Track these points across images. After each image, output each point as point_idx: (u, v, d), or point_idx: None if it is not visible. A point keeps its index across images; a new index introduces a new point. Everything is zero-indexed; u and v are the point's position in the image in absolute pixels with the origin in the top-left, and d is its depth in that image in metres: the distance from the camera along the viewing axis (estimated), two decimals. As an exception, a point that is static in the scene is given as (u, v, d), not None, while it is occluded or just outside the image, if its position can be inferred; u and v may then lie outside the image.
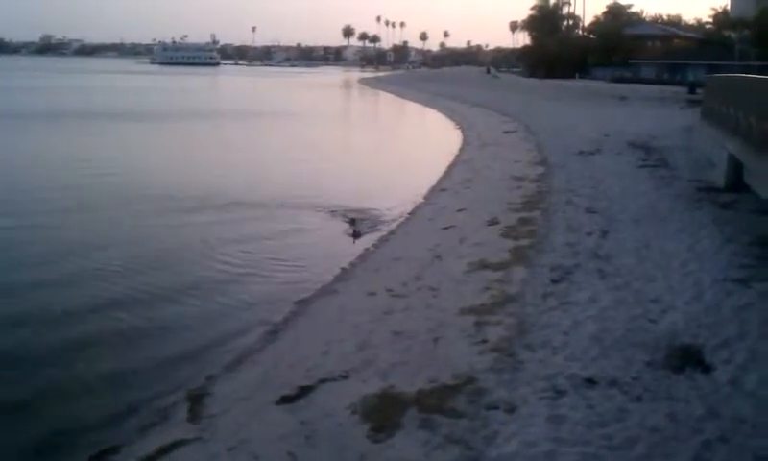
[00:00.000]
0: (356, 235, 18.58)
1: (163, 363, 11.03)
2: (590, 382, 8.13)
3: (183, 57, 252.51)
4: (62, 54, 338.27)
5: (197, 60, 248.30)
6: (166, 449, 8.15)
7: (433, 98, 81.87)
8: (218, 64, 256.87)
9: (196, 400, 9.45)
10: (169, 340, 11.99)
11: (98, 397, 9.99)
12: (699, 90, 51.27)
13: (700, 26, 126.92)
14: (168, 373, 10.68)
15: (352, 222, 19.57)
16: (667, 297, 10.94)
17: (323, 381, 9.20)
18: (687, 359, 8.62)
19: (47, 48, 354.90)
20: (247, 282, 15.01)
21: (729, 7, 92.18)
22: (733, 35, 79.54)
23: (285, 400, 8.86)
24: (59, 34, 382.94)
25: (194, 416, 9.02)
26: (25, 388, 10.27)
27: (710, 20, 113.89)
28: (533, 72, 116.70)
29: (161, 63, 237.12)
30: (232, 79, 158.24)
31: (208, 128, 50.23)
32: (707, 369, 8.40)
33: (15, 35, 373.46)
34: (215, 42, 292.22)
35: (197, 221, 19.99)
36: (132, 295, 14.02)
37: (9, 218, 19.99)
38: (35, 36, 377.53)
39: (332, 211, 21.40)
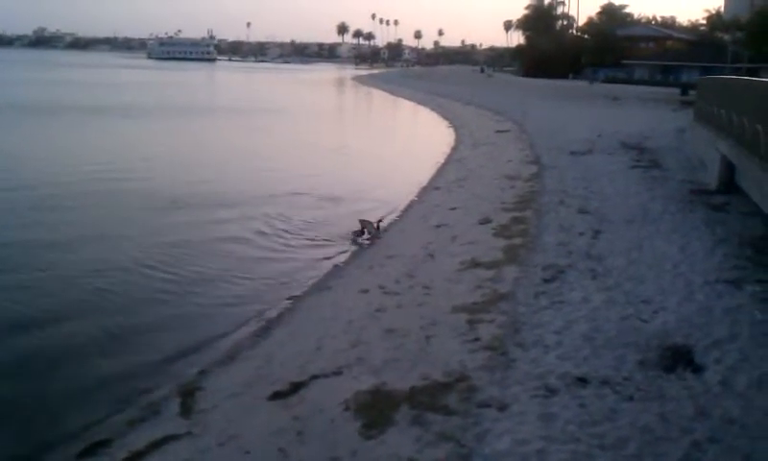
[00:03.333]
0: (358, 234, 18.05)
1: (155, 358, 11.04)
2: (582, 381, 8.16)
3: (180, 52, 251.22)
4: (55, 47, 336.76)
5: (193, 56, 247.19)
6: (157, 444, 8.17)
7: (427, 96, 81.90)
8: (214, 60, 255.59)
9: (188, 395, 9.45)
10: (161, 335, 11.98)
11: (89, 391, 9.99)
12: (692, 92, 51.37)
13: (693, 28, 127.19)
14: (160, 368, 10.69)
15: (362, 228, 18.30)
16: (659, 297, 10.98)
17: (315, 378, 9.22)
18: (678, 359, 8.66)
19: (40, 41, 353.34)
20: (240, 278, 15.00)
21: (722, 9, 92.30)
22: (726, 36, 79.68)
23: (277, 395, 8.89)
24: (52, 27, 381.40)
25: (185, 411, 9.04)
26: (16, 382, 10.29)
27: (704, 22, 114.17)
28: (527, 71, 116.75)
29: (158, 58, 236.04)
30: (230, 75, 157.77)
31: (215, 123, 50.41)
32: (697, 369, 8.44)
33: (9, 27, 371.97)
34: (212, 38, 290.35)
35: (183, 219, 19.99)
36: (125, 290, 14.01)
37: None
38: (28, 29, 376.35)
39: (323, 207, 21.43)
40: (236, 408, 8.86)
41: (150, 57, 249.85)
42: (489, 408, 7.68)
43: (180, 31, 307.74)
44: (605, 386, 8.06)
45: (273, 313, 12.93)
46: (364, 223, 18.08)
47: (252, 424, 8.26)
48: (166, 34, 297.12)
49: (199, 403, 9.21)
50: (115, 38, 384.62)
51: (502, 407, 7.67)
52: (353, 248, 17.29)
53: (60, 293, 13.82)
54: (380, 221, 18.64)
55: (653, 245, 14.12)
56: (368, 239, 17.74)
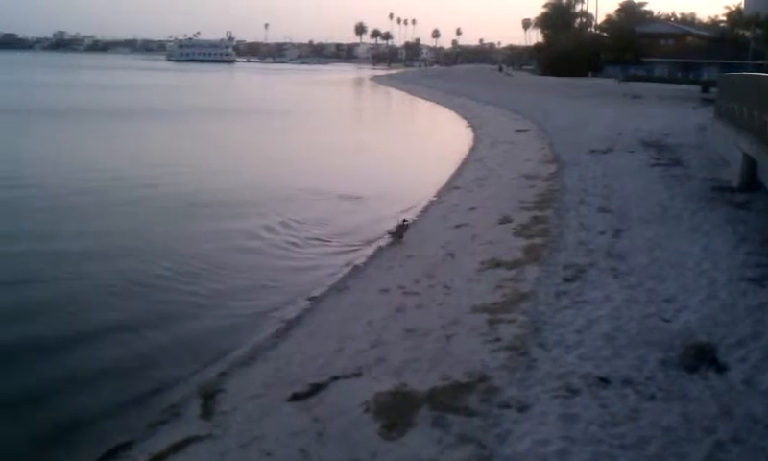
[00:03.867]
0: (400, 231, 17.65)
1: (175, 360, 11.07)
2: (604, 381, 8.11)
3: (199, 53, 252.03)
4: (75, 50, 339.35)
5: (213, 57, 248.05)
6: (178, 446, 8.19)
7: (445, 96, 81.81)
8: (234, 62, 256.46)
9: (208, 397, 9.47)
10: (181, 337, 12.01)
11: (110, 393, 10.02)
12: (712, 89, 50.97)
13: (713, 24, 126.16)
14: (180, 369, 10.70)
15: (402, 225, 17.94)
16: (681, 296, 10.89)
17: (335, 379, 9.22)
18: (701, 359, 8.58)
19: (60, 44, 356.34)
20: (258, 279, 15.03)
21: (742, 5, 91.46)
22: (747, 33, 79.02)
23: (297, 397, 8.88)
24: (71, 30, 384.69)
25: (206, 412, 9.05)
26: (36, 384, 10.32)
27: (724, 18, 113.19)
28: (545, 70, 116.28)
29: (177, 60, 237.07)
30: (250, 76, 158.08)
31: (236, 124, 50.48)
32: (721, 368, 8.37)
33: (29, 31, 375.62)
34: (231, 39, 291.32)
35: (202, 220, 20.08)
36: (144, 292, 14.07)
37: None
38: (47, 32, 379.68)
39: (342, 208, 21.48)
40: (256, 410, 8.88)
41: (169, 59, 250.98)
42: (509, 409, 7.64)
43: (198, 32, 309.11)
44: (627, 386, 8.00)
45: (292, 314, 12.93)
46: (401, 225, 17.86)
47: (273, 426, 8.27)
48: (185, 35, 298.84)
49: (219, 405, 9.23)
50: (135, 41, 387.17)
51: (523, 408, 7.63)
52: (373, 248, 17.24)
53: (78, 290, 13.93)
54: (405, 222, 18.28)
55: (674, 243, 14.02)
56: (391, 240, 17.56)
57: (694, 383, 8.06)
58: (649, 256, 13.15)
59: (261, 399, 9.21)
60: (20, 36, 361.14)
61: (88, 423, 9.21)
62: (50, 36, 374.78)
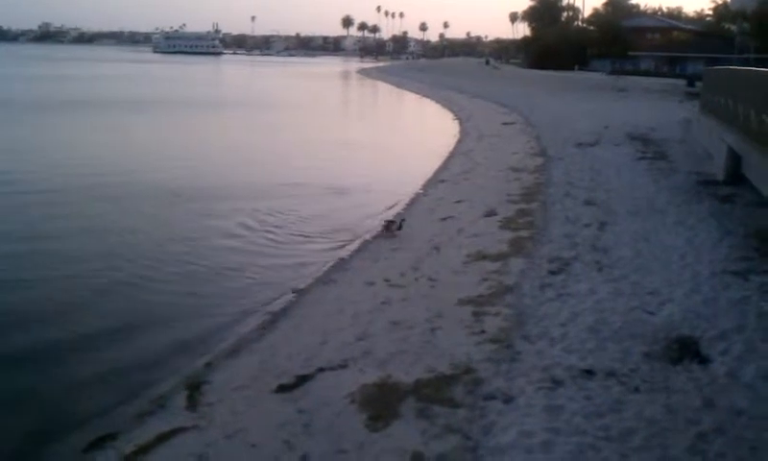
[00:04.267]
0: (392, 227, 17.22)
1: (161, 351, 11.04)
2: (588, 373, 8.16)
3: (186, 46, 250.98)
4: (60, 42, 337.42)
5: (199, 50, 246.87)
6: (164, 437, 8.16)
7: (432, 89, 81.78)
8: (221, 54, 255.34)
9: (194, 389, 9.44)
10: (167, 327, 11.98)
11: (96, 384, 9.99)
12: (698, 83, 51.21)
13: (700, 18, 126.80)
14: (166, 361, 10.69)
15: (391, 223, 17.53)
16: (665, 289, 10.96)
17: (321, 370, 9.22)
18: (685, 351, 8.65)
19: (46, 36, 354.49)
20: (243, 271, 15.00)
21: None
22: (733, 27, 79.33)
23: (283, 388, 8.88)
24: (56, 22, 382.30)
25: (192, 404, 9.03)
26: (20, 375, 10.30)
27: (710, 13, 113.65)
28: (532, 63, 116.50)
29: (164, 52, 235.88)
30: (237, 69, 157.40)
31: (223, 117, 50.46)
32: (704, 361, 8.43)
33: (14, 22, 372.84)
34: (217, 31, 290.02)
35: (186, 213, 20.04)
36: (130, 284, 14.03)
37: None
38: (33, 24, 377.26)
39: (327, 200, 21.49)
40: (242, 401, 8.87)
41: (156, 51, 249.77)
42: (494, 400, 7.68)
43: (184, 24, 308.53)
44: (611, 378, 8.06)
45: (277, 306, 12.90)
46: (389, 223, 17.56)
47: (259, 417, 8.27)
48: (171, 27, 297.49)
49: (205, 397, 9.20)
50: (121, 33, 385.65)
51: (508, 399, 7.68)
52: (359, 241, 17.22)
53: (65, 286, 13.83)
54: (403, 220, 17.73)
55: (659, 236, 14.10)
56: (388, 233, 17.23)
57: (678, 375, 8.11)
58: (634, 249, 13.21)
59: (247, 390, 9.20)
60: (5, 28, 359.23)
61: (74, 414, 9.16)
62: (35, 28, 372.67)
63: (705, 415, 7.22)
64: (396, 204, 21.32)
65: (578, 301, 10.60)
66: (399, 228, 16.82)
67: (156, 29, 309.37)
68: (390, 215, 18.01)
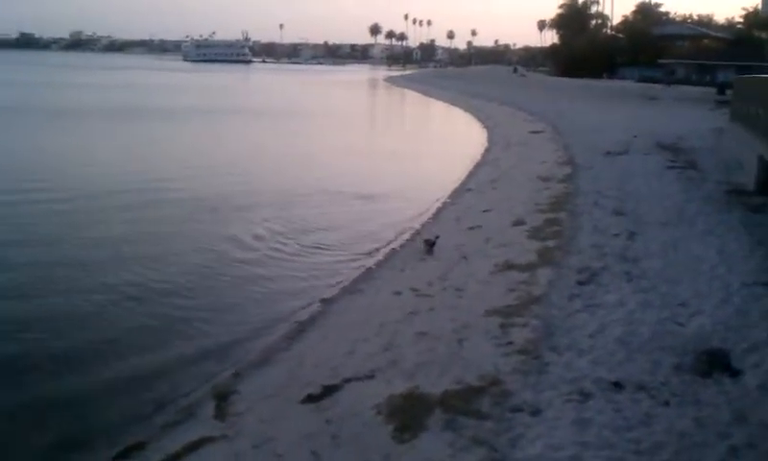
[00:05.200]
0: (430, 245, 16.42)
1: (190, 361, 11.12)
2: (617, 386, 8.08)
3: (215, 54, 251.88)
4: (91, 50, 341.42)
5: (229, 58, 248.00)
6: (192, 446, 8.23)
7: (459, 97, 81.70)
8: (250, 62, 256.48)
9: (222, 398, 9.51)
10: (195, 338, 12.06)
11: (125, 393, 10.09)
12: (728, 91, 50.71)
13: (730, 26, 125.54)
14: (195, 370, 10.76)
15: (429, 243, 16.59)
16: (695, 300, 10.84)
17: (348, 381, 9.23)
18: (715, 364, 8.54)
19: (77, 44, 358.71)
20: (272, 280, 15.07)
21: (760, 6, 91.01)
22: (764, 35, 78.55)
23: (310, 398, 8.91)
24: (87, 30, 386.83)
25: (220, 413, 9.09)
26: (51, 384, 10.39)
27: (741, 20, 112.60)
28: (560, 71, 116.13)
29: (194, 60, 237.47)
30: (267, 77, 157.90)
31: (254, 125, 50.59)
32: (735, 373, 8.33)
33: (46, 31, 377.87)
34: (247, 39, 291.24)
35: (216, 222, 20.14)
36: (158, 292, 14.14)
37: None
38: (64, 32, 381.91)
39: (356, 209, 21.57)
40: (269, 411, 8.91)
41: (186, 59, 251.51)
42: (522, 413, 7.63)
43: (214, 32, 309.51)
44: (640, 391, 7.97)
45: (304, 315, 12.96)
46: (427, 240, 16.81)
47: (286, 428, 8.30)
48: (201, 35, 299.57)
49: (233, 406, 9.26)
50: (151, 41, 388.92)
51: (535, 412, 7.62)
52: (388, 250, 17.24)
53: (96, 304, 13.78)
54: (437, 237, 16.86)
55: (689, 247, 13.96)
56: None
57: (708, 388, 8.02)
58: (663, 260, 13.09)
59: (274, 400, 9.25)
60: (37, 35, 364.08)
61: (103, 425, 9.25)
62: (66, 36, 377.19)
63: (736, 429, 7.13)
64: (424, 212, 21.33)
65: (607, 312, 10.52)
66: (433, 245, 16.41)
67: (186, 37, 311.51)
68: (425, 233, 17.91)
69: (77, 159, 30.91)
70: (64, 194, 22.74)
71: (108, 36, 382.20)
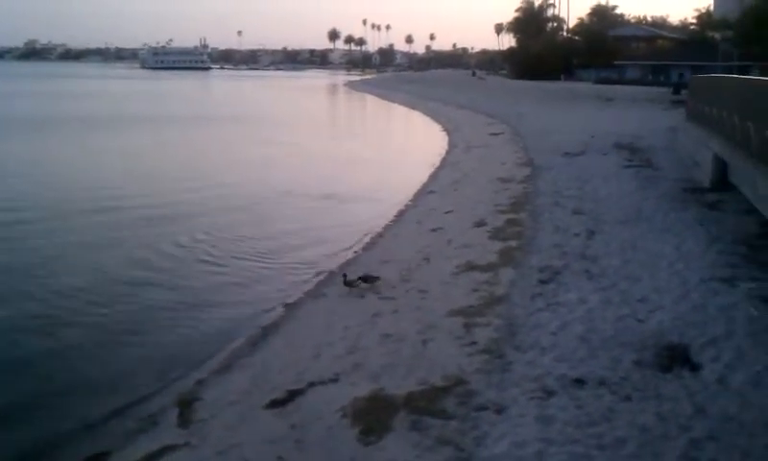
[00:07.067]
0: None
1: (152, 368, 11.00)
2: (579, 382, 8.17)
3: (173, 61, 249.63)
4: (46, 59, 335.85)
5: (187, 65, 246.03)
6: (156, 455, 8.15)
7: (419, 100, 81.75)
8: (209, 69, 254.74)
9: (186, 405, 9.43)
10: (158, 346, 11.94)
11: (87, 402, 9.96)
12: (683, 91, 51.44)
13: (684, 27, 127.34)
14: (157, 378, 10.64)
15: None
16: (654, 297, 11.00)
17: (312, 385, 9.21)
18: (675, 358, 8.68)
19: (32, 53, 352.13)
20: (234, 286, 14.99)
21: (712, 8, 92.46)
22: (717, 35, 79.78)
23: (275, 403, 8.87)
24: (42, 38, 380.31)
25: (184, 421, 9.01)
26: (13, 398, 10.21)
27: (694, 21, 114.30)
28: (518, 74, 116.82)
29: (152, 68, 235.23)
30: (226, 83, 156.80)
31: (215, 132, 49.98)
32: (694, 368, 8.47)
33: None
34: (204, 46, 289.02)
35: (175, 228, 19.96)
36: (119, 301, 13.99)
37: None
38: (18, 42, 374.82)
39: (316, 213, 21.51)
40: (234, 417, 8.85)
41: (143, 66, 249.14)
42: (486, 411, 7.68)
43: (171, 40, 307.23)
44: (602, 387, 8.07)
45: (268, 321, 12.89)
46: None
47: (251, 433, 8.24)
48: (158, 43, 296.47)
49: (197, 413, 9.18)
50: (107, 49, 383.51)
51: (500, 410, 7.68)
52: (351, 253, 17.25)
53: (55, 302, 13.78)
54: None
55: (647, 244, 14.16)
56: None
57: (668, 383, 8.14)
58: (622, 258, 13.26)
59: (239, 406, 9.19)
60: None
61: (65, 435, 9.12)
62: (21, 45, 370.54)
63: (696, 422, 7.24)
64: (386, 214, 21.34)
65: (568, 310, 10.62)
66: (372, 282, 13.82)
67: (143, 45, 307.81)
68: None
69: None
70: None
71: (64, 45, 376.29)
